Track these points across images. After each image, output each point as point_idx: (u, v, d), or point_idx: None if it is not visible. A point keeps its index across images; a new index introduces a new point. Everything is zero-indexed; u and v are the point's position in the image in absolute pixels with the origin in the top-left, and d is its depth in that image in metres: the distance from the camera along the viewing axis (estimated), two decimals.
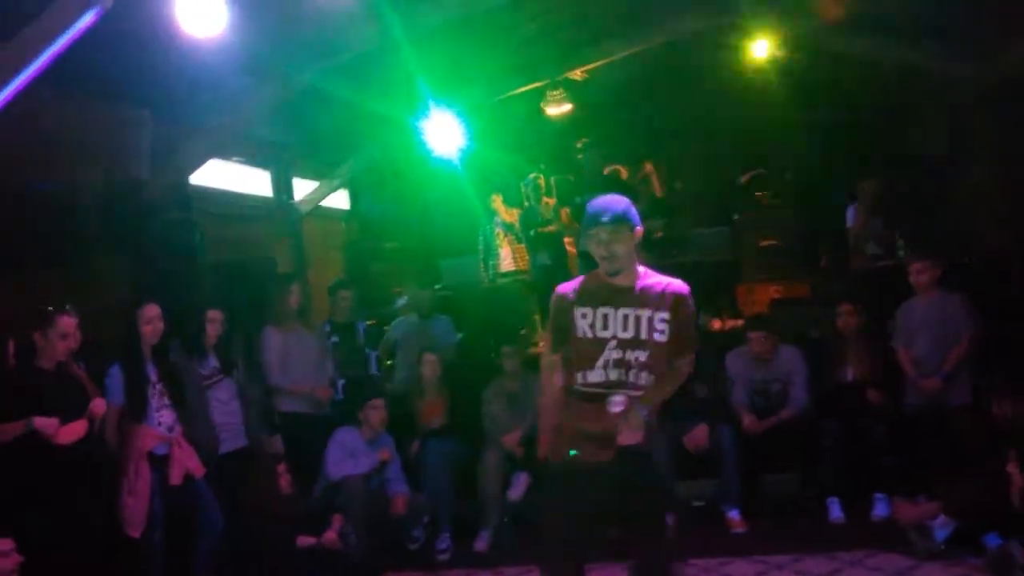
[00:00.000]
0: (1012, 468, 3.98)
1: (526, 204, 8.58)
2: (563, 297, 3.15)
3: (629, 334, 3.03)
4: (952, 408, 5.18)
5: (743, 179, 9.17)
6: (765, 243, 8.01)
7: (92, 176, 5.85)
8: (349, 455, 5.34)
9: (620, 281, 3.07)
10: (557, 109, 9.16)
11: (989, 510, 4.22)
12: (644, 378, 3.04)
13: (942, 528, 4.36)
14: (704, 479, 5.54)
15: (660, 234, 8.12)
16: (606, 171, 8.35)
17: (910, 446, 5.20)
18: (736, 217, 8.40)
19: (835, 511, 5.14)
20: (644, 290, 3.07)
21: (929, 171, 7.92)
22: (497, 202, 8.67)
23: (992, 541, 4.16)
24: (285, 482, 5.00)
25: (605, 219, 3.01)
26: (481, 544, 5.41)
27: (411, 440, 5.80)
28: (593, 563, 3.45)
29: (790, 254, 7.88)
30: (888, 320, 5.54)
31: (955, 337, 5.24)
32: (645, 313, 3.03)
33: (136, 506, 4.26)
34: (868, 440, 5.29)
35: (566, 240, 8.86)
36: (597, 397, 3.01)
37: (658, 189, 8.66)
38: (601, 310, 3.05)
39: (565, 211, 8.46)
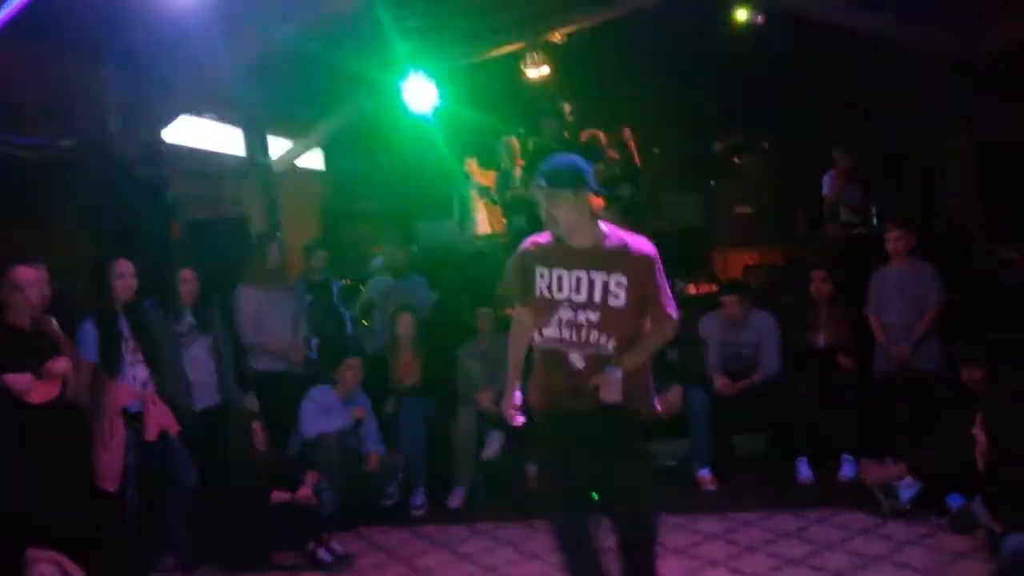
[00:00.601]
0: (977, 430, 4.06)
1: (502, 166, 8.53)
2: (526, 253, 3.15)
3: (582, 297, 3.01)
4: (921, 373, 5.28)
5: (718, 146, 9.19)
6: (741, 210, 8.05)
7: (57, 131, 5.73)
8: (324, 413, 5.34)
9: (577, 242, 3.03)
10: (535, 71, 9.11)
11: (953, 471, 4.31)
12: (602, 339, 3.02)
13: (907, 488, 4.47)
14: (676, 439, 5.61)
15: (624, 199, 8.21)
16: (584, 136, 8.29)
17: (878, 409, 5.30)
18: (712, 183, 8.41)
19: (803, 471, 5.23)
20: (602, 252, 3.03)
21: (903, 141, 8.00)
22: (472, 165, 8.61)
23: (955, 501, 4.26)
24: (260, 439, 4.99)
25: (541, 182, 3.01)
26: (455, 501, 5.45)
27: (386, 399, 5.81)
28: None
29: (765, 221, 7.93)
30: (860, 287, 5.61)
31: (925, 304, 5.32)
32: (599, 276, 3.00)
33: (110, 461, 4.25)
34: (837, 403, 5.38)
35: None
36: (555, 353, 3.08)
37: (636, 155, 8.65)
38: (556, 271, 3.04)
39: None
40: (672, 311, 3.09)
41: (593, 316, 3.01)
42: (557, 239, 3.07)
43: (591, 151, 7.54)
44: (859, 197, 7.33)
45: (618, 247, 3.03)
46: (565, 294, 3.03)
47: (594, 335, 3.03)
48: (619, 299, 3.00)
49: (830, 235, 7.29)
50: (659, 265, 3.05)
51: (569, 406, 3.08)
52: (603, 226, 3.08)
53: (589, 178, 3.03)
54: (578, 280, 3.01)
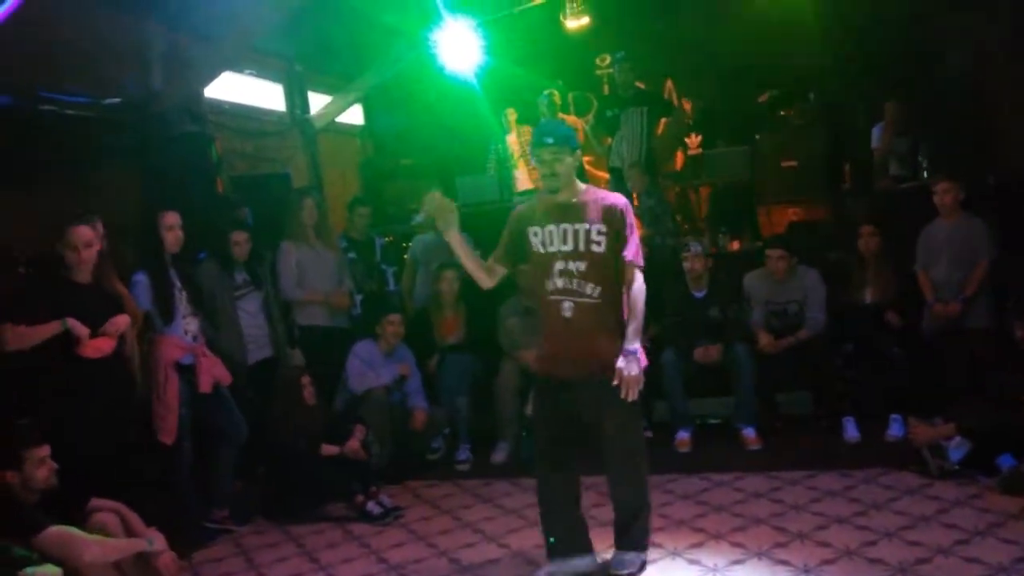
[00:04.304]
0: None
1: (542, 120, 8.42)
2: (516, 218, 3.55)
3: (569, 247, 3.39)
4: (971, 331, 5.18)
5: (761, 98, 8.98)
6: (786, 164, 7.85)
7: (101, 89, 5.76)
8: (369, 368, 5.41)
9: (561, 199, 3.43)
10: (576, 22, 8.93)
11: (1005, 431, 4.25)
12: (589, 288, 3.38)
13: (957, 449, 4.39)
14: (720, 397, 5.61)
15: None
16: (641, 85, 8.16)
17: (927, 368, 5.22)
18: (757, 137, 8.22)
19: (850, 430, 5.19)
20: (583, 205, 3.42)
21: (954, 91, 7.74)
22: (512, 118, 8.53)
23: (1006, 462, 4.19)
24: (309, 393, 5.07)
25: (548, 141, 3.36)
26: (499, 456, 5.52)
27: (430, 356, 5.85)
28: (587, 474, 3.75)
29: (811, 176, 7.73)
30: (909, 242, 5.49)
31: (975, 260, 5.20)
32: (583, 227, 3.38)
33: (167, 415, 4.34)
34: (884, 361, 5.31)
35: (584, 159, 8.74)
36: (555, 304, 3.42)
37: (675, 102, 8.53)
38: (548, 228, 3.43)
39: (582, 127, 8.34)
40: (635, 257, 3.44)
41: (582, 265, 3.38)
42: (545, 199, 3.47)
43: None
44: (908, 149, 7.15)
45: (595, 200, 3.44)
46: (556, 247, 3.40)
47: (588, 286, 3.39)
48: (601, 246, 3.38)
49: (879, 189, 7.13)
50: (631, 212, 3.46)
51: (564, 373, 3.44)
52: (580, 184, 3.49)
53: (577, 143, 3.49)
54: (565, 232, 3.40)
